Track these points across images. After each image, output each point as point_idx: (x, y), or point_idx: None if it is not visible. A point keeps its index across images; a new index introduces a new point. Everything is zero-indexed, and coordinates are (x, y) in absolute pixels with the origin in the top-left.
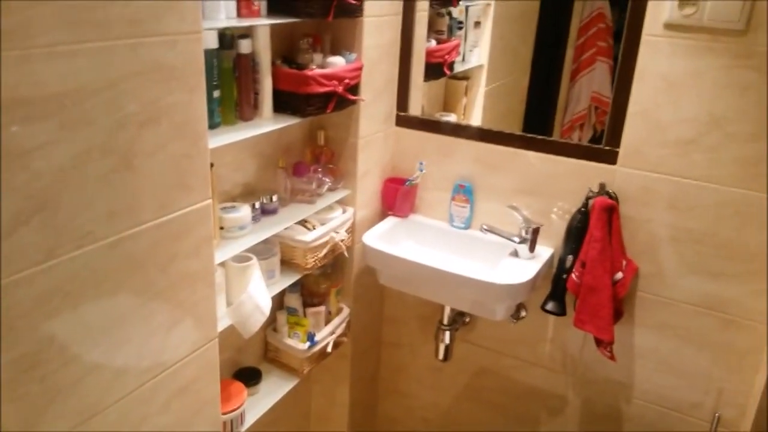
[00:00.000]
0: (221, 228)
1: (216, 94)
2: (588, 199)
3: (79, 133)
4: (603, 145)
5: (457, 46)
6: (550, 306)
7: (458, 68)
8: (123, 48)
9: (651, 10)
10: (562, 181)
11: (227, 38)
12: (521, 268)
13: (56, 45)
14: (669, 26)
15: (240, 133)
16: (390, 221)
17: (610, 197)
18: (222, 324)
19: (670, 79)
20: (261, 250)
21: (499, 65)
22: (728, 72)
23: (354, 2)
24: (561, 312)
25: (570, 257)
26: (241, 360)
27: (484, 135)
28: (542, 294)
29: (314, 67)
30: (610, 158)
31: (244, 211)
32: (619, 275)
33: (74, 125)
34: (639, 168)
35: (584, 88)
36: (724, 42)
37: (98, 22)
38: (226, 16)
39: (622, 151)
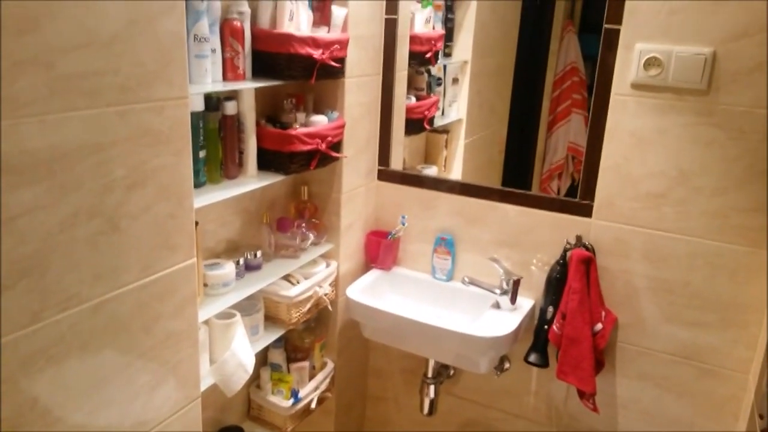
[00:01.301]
0: (205, 285)
1: (202, 154)
2: (566, 251)
3: (67, 198)
4: (578, 199)
5: (436, 102)
6: (532, 358)
7: (438, 122)
8: (112, 115)
9: (618, 70)
10: (541, 234)
11: (213, 100)
12: (503, 320)
13: (47, 114)
14: (636, 86)
15: (225, 191)
16: (373, 274)
17: (587, 249)
18: (205, 383)
19: (638, 136)
20: (245, 306)
21: (478, 119)
22: (693, 129)
23: (336, 65)
24: (544, 364)
25: (551, 308)
26: (223, 419)
27: (463, 189)
28: (525, 345)
29: (297, 126)
30: (585, 211)
31: (228, 268)
32: (599, 326)
33: (62, 190)
34: (613, 220)
35: (561, 138)
36: (688, 101)
37: (89, 90)
38: (212, 80)
39: (597, 204)
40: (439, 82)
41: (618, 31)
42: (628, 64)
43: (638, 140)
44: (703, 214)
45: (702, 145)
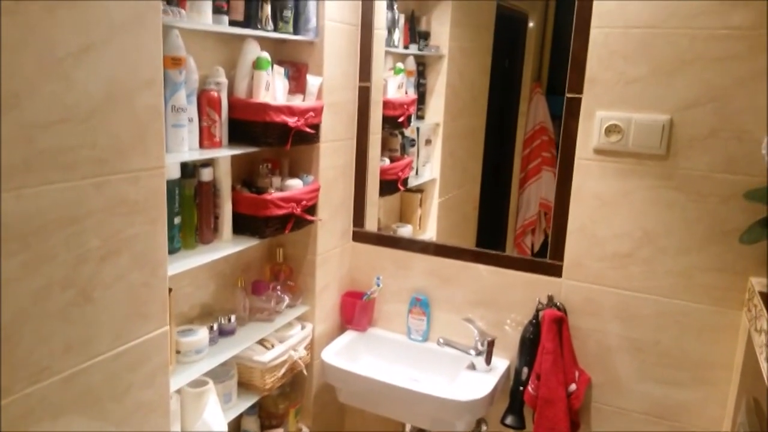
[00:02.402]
0: (178, 352)
1: (177, 220)
2: (538, 311)
3: (41, 270)
4: (548, 259)
5: (410, 163)
6: (509, 420)
7: (412, 182)
8: (88, 187)
9: (581, 136)
10: (513, 293)
11: (189, 167)
12: (479, 382)
13: (24, 188)
14: (598, 151)
15: (199, 257)
16: (349, 335)
17: (559, 309)
18: None
19: (603, 198)
20: (218, 373)
21: (451, 178)
22: (654, 192)
23: (310, 131)
24: (520, 426)
25: (525, 369)
26: None
27: (437, 249)
28: (502, 407)
29: (273, 190)
30: (556, 271)
31: (202, 334)
32: (573, 387)
33: (37, 263)
34: (582, 280)
35: (533, 195)
36: (649, 165)
37: (65, 164)
38: (188, 148)
39: (566, 264)
40: (412, 143)
41: (579, 100)
42: (590, 130)
43: (603, 202)
44: (669, 274)
45: (664, 207)
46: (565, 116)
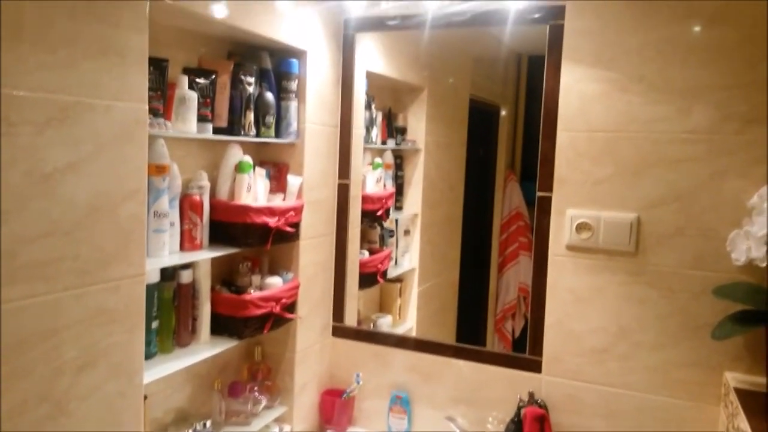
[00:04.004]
0: None
1: (154, 324)
2: (520, 408)
3: (18, 385)
4: (527, 354)
5: (389, 254)
6: None
7: (392, 273)
8: (69, 298)
9: (553, 233)
10: (495, 390)
11: (169, 270)
12: None
13: (6, 302)
14: (570, 247)
15: (176, 362)
16: None
17: (540, 406)
18: None
19: (577, 293)
20: None
21: (430, 266)
22: (627, 287)
23: (290, 230)
24: None
25: None
26: None
27: (417, 344)
28: None
29: (252, 289)
30: (535, 367)
31: None
32: None
33: (13, 378)
34: (562, 376)
35: (512, 279)
36: (620, 261)
37: (47, 276)
38: (169, 252)
39: (545, 359)
40: (391, 234)
41: (550, 198)
42: (562, 227)
43: (578, 298)
44: (646, 369)
45: (636, 302)
46: (537, 213)
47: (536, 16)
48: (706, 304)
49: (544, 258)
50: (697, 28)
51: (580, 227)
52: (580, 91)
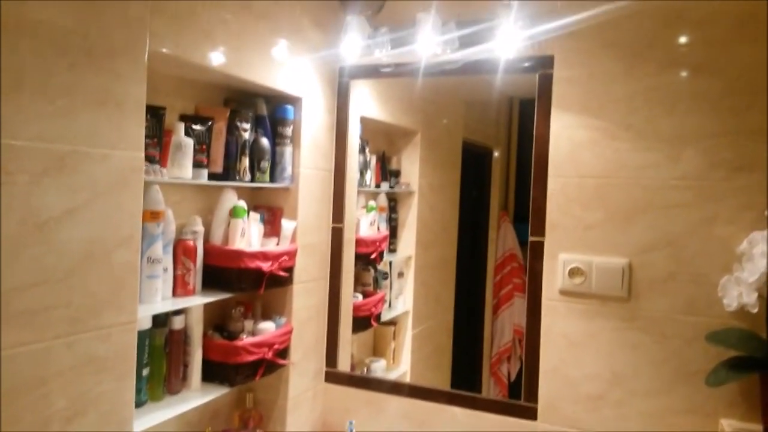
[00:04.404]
0: None
1: (145, 372)
2: None
3: None
4: (522, 401)
5: (383, 297)
6: None
7: (385, 315)
8: (59, 346)
9: (546, 277)
10: None
11: (161, 316)
12: None
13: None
14: (563, 292)
15: (166, 411)
16: None
17: None
18: None
19: (571, 339)
20: None
21: (424, 309)
22: (620, 333)
23: (284, 275)
24: None
25: None
26: None
27: (411, 391)
28: None
29: (245, 335)
30: (531, 414)
31: None
32: None
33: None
34: (558, 424)
35: (506, 321)
36: (612, 306)
37: (39, 325)
38: (161, 297)
39: (540, 407)
40: (385, 276)
41: (542, 243)
42: (555, 271)
43: (571, 343)
44: (642, 416)
45: (630, 348)
46: (530, 258)
47: (526, 65)
48: (700, 349)
49: (538, 303)
50: (683, 76)
51: (573, 272)
52: (569, 138)
